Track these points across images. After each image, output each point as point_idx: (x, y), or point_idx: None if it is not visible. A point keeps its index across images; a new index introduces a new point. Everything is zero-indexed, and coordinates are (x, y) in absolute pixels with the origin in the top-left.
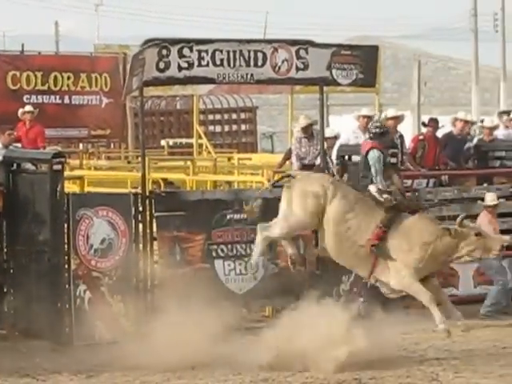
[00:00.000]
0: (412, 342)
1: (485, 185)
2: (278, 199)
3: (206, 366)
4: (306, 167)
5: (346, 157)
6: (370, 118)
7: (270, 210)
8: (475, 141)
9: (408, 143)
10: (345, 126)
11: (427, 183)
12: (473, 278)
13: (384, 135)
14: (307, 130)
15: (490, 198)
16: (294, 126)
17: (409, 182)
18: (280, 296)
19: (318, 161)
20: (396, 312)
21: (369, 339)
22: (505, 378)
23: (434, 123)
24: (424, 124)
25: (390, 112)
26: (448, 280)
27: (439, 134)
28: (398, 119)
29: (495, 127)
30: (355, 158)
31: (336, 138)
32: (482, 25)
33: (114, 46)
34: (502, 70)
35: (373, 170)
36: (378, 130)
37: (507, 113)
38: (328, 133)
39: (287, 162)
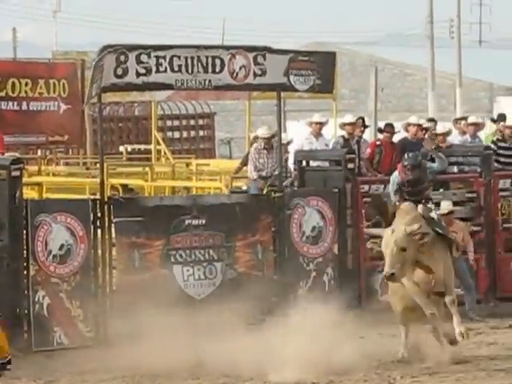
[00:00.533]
0: (370, 346)
1: (441, 190)
2: (236, 204)
3: (165, 371)
4: (264, 178)
5: (304, 162)
6: (322, 123)
7: (228, 215)
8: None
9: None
10: (302, 132)
11: (384, 188)
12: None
13: (414, 170)
14: (268, 142)
15: (444, 206)
16: (251, 131)
17: (366, 187)
18: (238, 301)
19: (276, 172)
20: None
21: (329, 343)
22: (462, 381)
23: (389, 129)
24: (380, 130)
25: (347, 118)
26: None
27: (395, 139)
28: (355, 125)
29: (447, 133)
30: (313, 163)
31: (289, 143)
32: (438, 31)
33: (73, 53)
34: (458, 77)
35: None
36: (409, 163)
37: (463, 119)
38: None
39: (244, 168)
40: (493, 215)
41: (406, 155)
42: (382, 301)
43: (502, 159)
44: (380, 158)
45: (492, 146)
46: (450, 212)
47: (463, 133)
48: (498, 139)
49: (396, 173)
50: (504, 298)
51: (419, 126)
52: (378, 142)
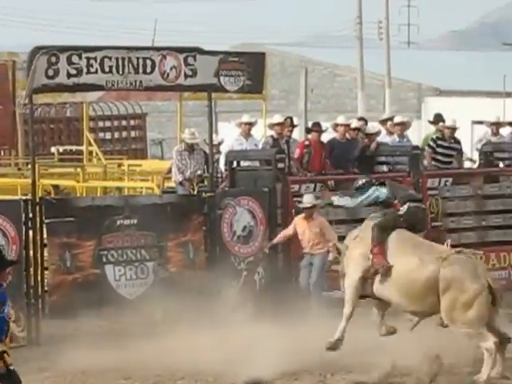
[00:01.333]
0: (301, 344)
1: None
2: (167, 204)
3: (96, 371)
4: (187, 180)
5: (235, 163)
6: (251, 124)
7: (160, 215)
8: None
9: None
10: (233, 133)
11: (314, 188)
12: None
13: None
14: (190, 145)
15: (307, 200)
16: (182, 132)
17: (296, 186)
18: (170, 300)
19: (199, 172)
20: (286, 314)
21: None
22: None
23: (317, 127)
24: (307, 130)
25: (276, 118)
26: (336, 282)
27: (324, 138)
28: (283, 125)
29: (377, 133)
30: (244, 164)
31: (220, 144)
32: (367, 32)
33: (3, 54)
34: (387, 77)
35: None
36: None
37: (389, 119)
38: (213, 140)
39: None
40: None
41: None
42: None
43: (440, 158)
44: (309, 158)
45: (431, 143)
46: (313, 206)
47: (390, 133)
48: (437, 137)
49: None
50: None
51: (347, 125)
52: (306, 142)
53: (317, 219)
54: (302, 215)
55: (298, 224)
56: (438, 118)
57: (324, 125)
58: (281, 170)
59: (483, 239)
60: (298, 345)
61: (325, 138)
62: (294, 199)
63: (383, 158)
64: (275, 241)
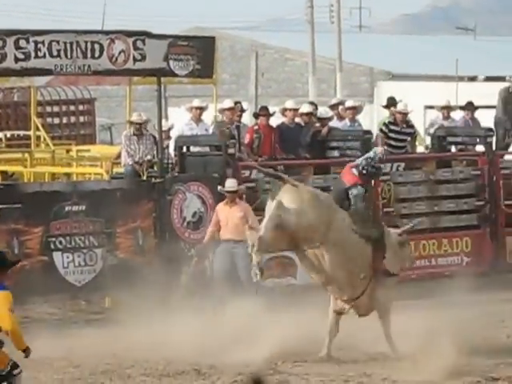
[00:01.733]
0: (252, 331)
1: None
2: (116, 190)
3: (45, 359)
4: (137, 164)
5: (185, 148)
6: (201, 109)
7: (109, 201)
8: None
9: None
10: (183, 118)
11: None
12: None
13: (376, 175)
14: (139, 128)
15: (229, 185)
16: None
17: (247, 172)
18: (119, 287)
19: (149, 157)
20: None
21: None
22: (343, 365)
23: (265, 111)
24: (255, 115)
25: (226, 103)
26: (286, 269)
27: (274, 123)
28: (233, 110)
29: (330, 118)
30: (194, 149)
31: (170, 130)
32: (318, 16)
33: None
34: (338, 61)
35: (353, 202)
36: (373, 170)
37: (340, 103)
38: (163, 126)
39: None
40: (373, 199)
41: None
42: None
43: (392, 143)
44: (259, 143)
45: (383, 128)
46: (235, 191)
47: (340, 118)
48: (390, 122)
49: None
50: None
51: (296, 110)
52: (255, 127)
53: (240, 204)
54: (224, 201)
55: (220, 211)
56: (391, 102)
57: (274, 110)
58: (231, 156)
59: (436, 225)
60: (248, 332)
61: (275, 122)
62: (245, 185)
63: (335, 143)
64: (206, 241)
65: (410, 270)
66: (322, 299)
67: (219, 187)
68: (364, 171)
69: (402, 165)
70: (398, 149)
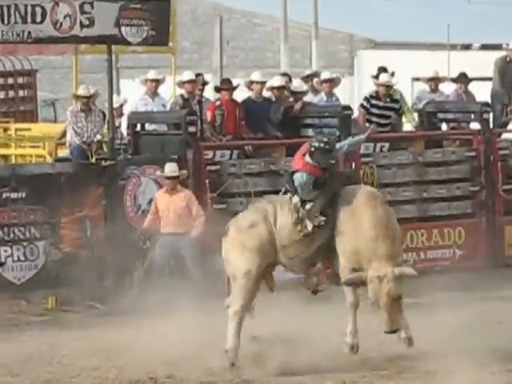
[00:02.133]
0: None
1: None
2: (60, 174)
3: None
4: (85, 144)
5: (139, 126)
6: (158, 81)
7: (52, 187)
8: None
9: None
10: (137, 92)
11: (230, 155)
12: None
13: (327, 154)
14: (87, 103)
15: (169, 169)
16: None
17: (210, 153)
18: (64, 285)
19: (99, 137)
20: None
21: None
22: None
23: (227, 85)
24: (217, 89)
25: (186, 75)
26: None
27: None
28: (195, 83)
29: (304, 92)
30: (149, 127)
31: (122, 106)
32: None
33: None
34: (314, 28)
35: (299, 191)
36: (323, 145)
37: (315, 75)
38: (114, 101)
39: None
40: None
41: (316, 139)
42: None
43: (374, 119)
44: (222, 120)
45: (364, 103)
46: (175, 177)
47: (316, 91)
48: (371, 96)
49: (304, 175)
50: None
51: (263, 83)
52: (217, 103)
53: (182, 192)
54: (163, 189)
55: (159, 199)
56: (382, 73)
57: (240, 82)
58: (192, 135)
59: (424, 213)
60: (213, 337)
61: (239, 97)
62: (208, 168)
63: (309, 121)
64: (144, 227)
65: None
66: (297, 296)
67: (157, 172)
68: (312, 148)
69: (387, 145)
70: (382, 126)
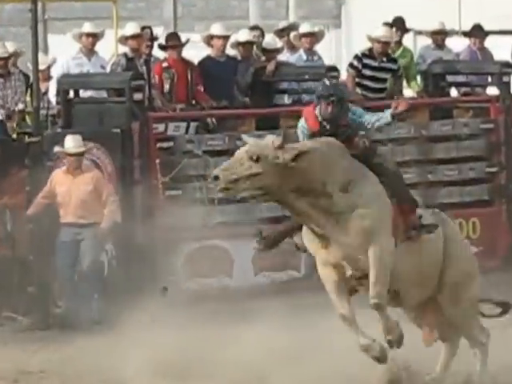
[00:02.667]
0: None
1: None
2: None
3: None
4: (3, 115)
5: (71, 92)
6: (95, 36)
7: None
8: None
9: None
10: (69, 49)
11: (187, 128)
12: (253, 263)
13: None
14: (4, 66)
15: (70, 144)
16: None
17: (161, 126)
18: None
19: (20, 106)
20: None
21: None
22: None
23: (174, 40)
24: (162, 46)
25: (130, 28)
26: (218, 263)
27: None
28: (141, 38)
29: (279, 50)
30: (84, 94)
31: (50, 67)
32: None
33: None
34: None
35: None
36: (326, 94)
37: (292, 28)
38: (40, 62)
39: None
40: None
41: (322, 85)
42: None
43: (366, 82)
44: (172, 85)
45: (355, 63)
46: (80, 153)
47: (293, 48)
48: (364, 54)
49: (302, 120)
50: None
51: (226, 38)
52: (164, 64)
53: (89, 172)
54: (64, 168)
55: (58, 181)
56: (399, 24)
57: (196, 37)
58: (138, 103)
59: (430, 200)
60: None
61: (193, 55)
62: (159, 145)
63: (285, 85)
64: (30, 212)
65: None
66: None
67: (56, 148)
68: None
69: None
70: (376, 92)
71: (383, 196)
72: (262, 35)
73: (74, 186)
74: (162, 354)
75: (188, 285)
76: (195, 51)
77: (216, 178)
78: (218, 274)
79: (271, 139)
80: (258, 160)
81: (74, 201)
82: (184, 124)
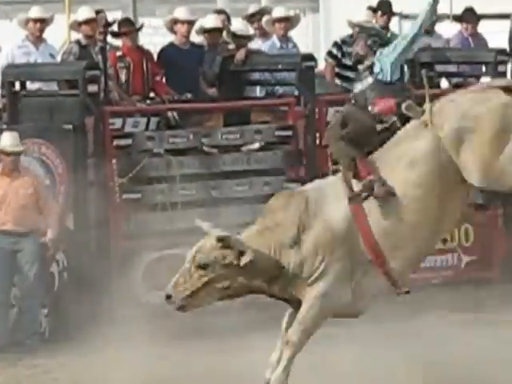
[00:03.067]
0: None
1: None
2: None
3: None
4: None
5: (17, 84)
6: (44, 22)
7: None
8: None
9: None
10: (15, 36)
11: (147, 124)
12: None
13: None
14: None
15: (7, 142)
16: None
17: (119, 122)
18: None
19: None
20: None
21: None
22: None
23: (127, 26)
24: (114, 33)
25: (83, 13)
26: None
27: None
28: (95, 23)
29: (250, 37)
30: (32, 86)
31: None
32: None
33: None
34: None
35: None
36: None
37: (263, 13)
38: None
39: None
40: (319, 164)
41: None
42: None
43: (346, 73)
44: (129, 76)
45: (334, 51)
46: (17, 152)
47: (265, 35)
48: (343, 42)
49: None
50: None
51: (191, 23)
52: (118, 52)
53: (28, 176)
54: None
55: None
56: (384, 7)
57: (156, 23)
58: (93, 96)
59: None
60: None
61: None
62: (116, 142)
63: (257, 75)
64: None
65: None
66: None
67: None
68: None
69: None
70: None
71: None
72: (228, 20)
73: (11, 190)
74: (117, 374)
75: (148, 298)
76: (159, 38)
77: (168, 297)
78: None
79: (214, 236)
80: (206, 267)
81: (11, 206)
82: (144, 119)
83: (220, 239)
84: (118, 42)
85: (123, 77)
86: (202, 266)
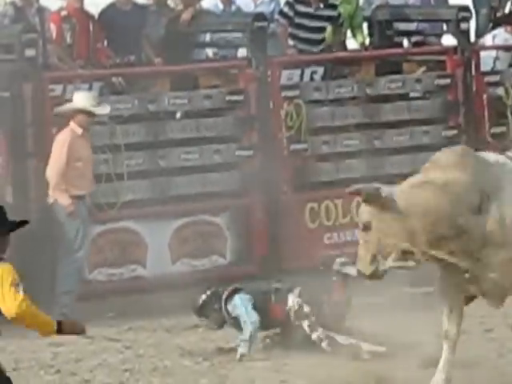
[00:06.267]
0: None
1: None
2: None
3: None
4: None
5: None
6: None
7: None
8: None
9: None
10: None
11: (90, 88)
12: (170, 249)
13: None
14: None
15: None
16: None
17: (59, 89)
18: None
19: None
20: None
21: None
22: None
23: None
24: None
25: None
26: (129, 253)
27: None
28: None
29: None
30: None
31: None
32: None
33: None
34: None
35: None
36: None
37: None
38: None
39: None
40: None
41: None
42: None
43: (301, 34)
44: (74, 38)
45: (285, 9)
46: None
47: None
48: (296, 0)
49: None
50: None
51: None
52: (63, 12)
53: None
54: None
55: None
56: None
57: None
58: (31, 61)
59: (377, 171)
60: None
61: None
62: (56, 110)
63: (205, 37)
64: None
65: None
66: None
67: None
68: None
69: (321, 70)
70: (312, 44)
71: None
72: None
73: None
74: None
75: (93, 276)
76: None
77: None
78: (128, 263)
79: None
80: (369, 225)
81: None
82: (86, 86)
83: (368, 195)
84: (54, 6)
85: (68, 39)
86: (367, 226)
